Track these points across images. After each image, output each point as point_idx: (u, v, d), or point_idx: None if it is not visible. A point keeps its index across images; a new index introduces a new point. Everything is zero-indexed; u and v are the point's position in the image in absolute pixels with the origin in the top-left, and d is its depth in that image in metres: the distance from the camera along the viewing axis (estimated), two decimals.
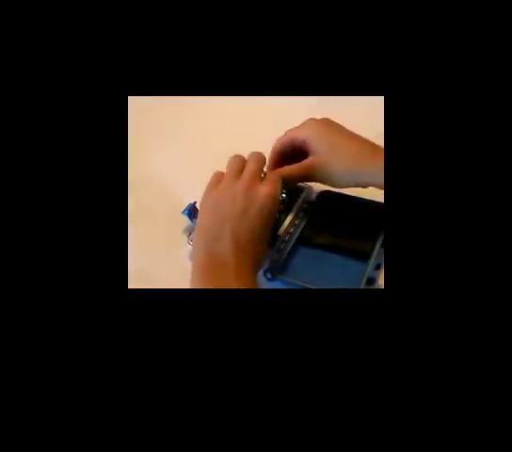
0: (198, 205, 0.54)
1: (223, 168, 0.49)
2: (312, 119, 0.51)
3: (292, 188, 0.56)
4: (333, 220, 0.54)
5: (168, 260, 0.54)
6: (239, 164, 0.48)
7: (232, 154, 0.50)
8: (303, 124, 0.51)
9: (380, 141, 0.45)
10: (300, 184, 0.57)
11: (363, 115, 0.63)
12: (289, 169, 0.50)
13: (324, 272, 0.49)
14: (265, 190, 0.45)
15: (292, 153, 0.52)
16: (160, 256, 0.54)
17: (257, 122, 0.68)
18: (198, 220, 0.47)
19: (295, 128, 0.51)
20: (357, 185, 0.50)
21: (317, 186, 0.57)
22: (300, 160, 0.50)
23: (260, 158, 0.49)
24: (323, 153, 0.49)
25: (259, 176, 0.47)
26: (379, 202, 0.54)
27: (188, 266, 0.53)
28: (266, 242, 0.47)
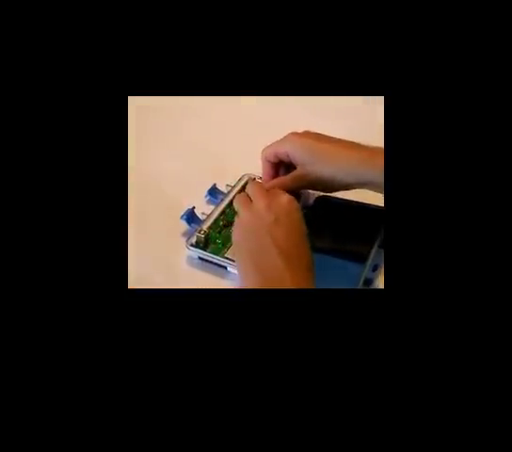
0: (196, 211, 0.55)
1: (223, 170, 0.49)
2: (292, 133, 0.52)
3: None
4: (331, 224, 0.55)
5: (166, 264, 0.54)
6: (244, 196, 0.49)
7: (232, 156, 0.50)
8: (284, 138, 0.52)
9: (380, 141, 0.45)
10: None
11: (363, 115, 0.63)
12: (282, 181, 0.51)
13: (322, 274, 0.49)
14: (285, 197, 0.47)
15: (282, 163, 0.53)
16: (159, 261, 0.54)
17: (257, 123, 0.68)
18: (235, 249, 0.47)
19: (276, 142, 0.52)
20: (348, 189, 0.51)
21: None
22: (293, 169, 0.51)
23: (258, 183, 0.51)
24: (307, 164, 0.50)
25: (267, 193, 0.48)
26: (376, 205, 0.54)
27: (187, 269, 0.53)
28: (308, 246, 0.46)
